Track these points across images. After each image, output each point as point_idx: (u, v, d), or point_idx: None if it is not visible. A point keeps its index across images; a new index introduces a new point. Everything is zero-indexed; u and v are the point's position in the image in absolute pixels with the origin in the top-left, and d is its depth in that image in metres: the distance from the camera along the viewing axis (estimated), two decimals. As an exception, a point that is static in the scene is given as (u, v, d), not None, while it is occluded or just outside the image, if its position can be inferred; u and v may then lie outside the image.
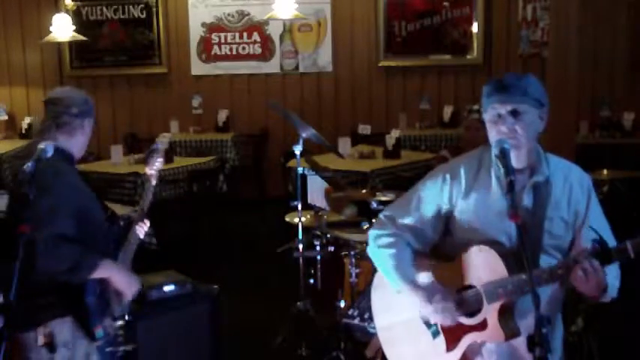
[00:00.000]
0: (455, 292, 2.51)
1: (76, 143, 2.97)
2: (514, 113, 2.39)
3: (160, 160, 3.30)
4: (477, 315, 2.46)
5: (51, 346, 2.74)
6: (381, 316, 2.81)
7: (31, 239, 2.62)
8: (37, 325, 2.75)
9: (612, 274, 2.38)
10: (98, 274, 2.79)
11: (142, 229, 3.15)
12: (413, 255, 2.61)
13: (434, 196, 2.57)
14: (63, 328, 2.78)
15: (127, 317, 3.02)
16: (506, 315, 2.40)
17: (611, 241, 2.39)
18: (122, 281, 2.88)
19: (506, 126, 2.39)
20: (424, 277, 2.57)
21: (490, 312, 2.41)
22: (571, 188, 2.49)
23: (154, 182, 3.26)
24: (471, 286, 2.47)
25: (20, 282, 2.59)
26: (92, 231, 2.86)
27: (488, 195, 2.49)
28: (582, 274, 2.24)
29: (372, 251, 2.70)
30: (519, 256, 2.39)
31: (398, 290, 2.61)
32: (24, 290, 2.60)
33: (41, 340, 2.74)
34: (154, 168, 3.26)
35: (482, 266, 2.42)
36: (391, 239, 2.61)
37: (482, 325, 2.44)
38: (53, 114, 2.94)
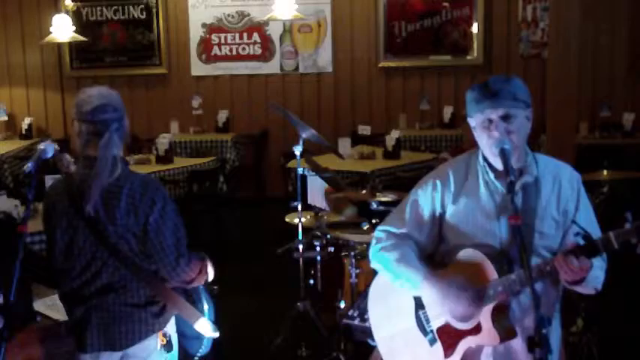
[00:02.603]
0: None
1: (122, 144, 2.78)
2: (505, 118, 2.40)
3: None
4: (470, 319, 2.46)
5: (169, 345, 2.80)
6: (379, 328, 2.81)
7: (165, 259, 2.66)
8: (156, 331, 2.77)
9: (594, 265, 2.33)
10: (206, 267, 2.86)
11: None
12: (417, 256, 2.60)
13: (426, 203, 2.59)
14: (171, 327, 2.84)
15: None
16: (500, 316, 2.41)
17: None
18: (210, 266, 2.91)
19: (498, 131, 2.40)
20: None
21: (483, 315, 2.42)
22: (560, 187, 2.49)
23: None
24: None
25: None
26: None
27: (477, 198, 2.50)
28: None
29: (376, 258, 2.67)
30: (508, 257, 2.40)
31: (414, 288, 2.56)
32: (137, 301, 2.70)
33: (161, 342, 2.78)
34: None
35: (473, 272, 2.42)
36: (393, 244, 2.61)
37: (477, 329, 2.45)
38: (106, 125, 2.67)
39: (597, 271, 2.41)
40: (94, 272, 2.69)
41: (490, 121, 2.41)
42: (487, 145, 2.44)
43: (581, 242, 2.21)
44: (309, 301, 4.75)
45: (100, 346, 2.73)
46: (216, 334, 2.89)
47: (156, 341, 2.76)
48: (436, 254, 2.63)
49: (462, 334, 2.49)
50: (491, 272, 2.39)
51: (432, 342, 2.57)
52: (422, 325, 2.60)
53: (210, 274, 2.93)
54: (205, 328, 2.85)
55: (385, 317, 2.75)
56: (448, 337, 2.53)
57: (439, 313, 2.54)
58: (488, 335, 2.41)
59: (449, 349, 2.52)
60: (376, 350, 2.90)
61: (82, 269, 2.70)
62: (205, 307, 2.90)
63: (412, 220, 2.61)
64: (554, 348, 2.33)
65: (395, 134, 7.22)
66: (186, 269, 2.72)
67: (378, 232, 2.70)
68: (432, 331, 2.57)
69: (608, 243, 2.18)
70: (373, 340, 2.87)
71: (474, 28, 9.04)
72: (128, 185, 2.66)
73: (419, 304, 2.60)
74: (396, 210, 2.71)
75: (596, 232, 2.41)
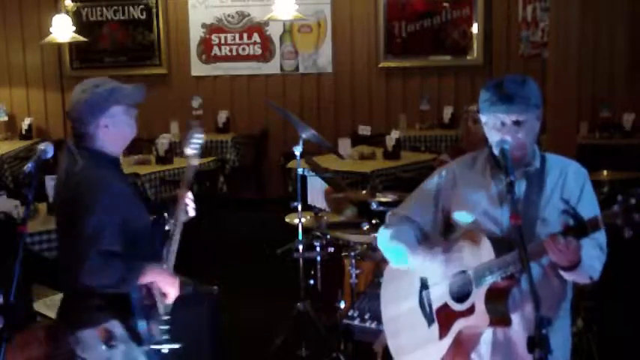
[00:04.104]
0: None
1: (105, 143, 2.83)
2: (518, 123, 2.45)
3: (197, 139, 3.13)
4: (466, 300, 2.49)
5: (109, 342, 2.78)
6: (387, 308, 2.86)
7: (75, 255, 2.66)
8: (94, 324, 2.77)
9: (589, 254, 2.36)
10: (144, 280, 2.79)
11: (187, 206, 3.06)
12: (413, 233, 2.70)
13: (431, 191, 2.70)
14: (119, 327, 2.82)
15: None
16: (496, 300, 2.42)
17: (602, 236, 2.44)
18: (166, 282, 2.86)
19: (510, 135, 2.45)
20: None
21: (478, 296, 2.44)
22: (565, 179, 2.54)
23: (195, 163, 3.13)
24: (463, 272, 2.52)
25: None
26: (137, 237, 2.82)
27: (482, 186, 2.58)
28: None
29: (379, 240, 2.77)
30: (510, 243, 2.41)
31: (413, 258, 2.62)
32: (80, 290, 2.71)
33: (100, 337, 2.77)
34: (192, 147, 3.12)
35: (474, 251, 2.47)
36: (393, 223, 2.74)
37: (471, 310, 2.47)
38: (72, 130, 2.88)
39: (593, 260, 2.42)
40: (59, 251, 2.93)
41: (503, 124, 2.47)
42: (495, 142, 2.51)
43: (570, 221, 2.22)
44: (309, 301, 4.75)
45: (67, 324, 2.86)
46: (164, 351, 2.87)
47: (93, 335, 2.76)
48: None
49: (456, 315, 2.52)
50: (490, 253, 2.42)
51: (431, 322, 2.61)
52: (423, 305, 2.64)
53: (166, 287, 2.85)
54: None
55: (393, 298, 2.80)
56: (445, 318, 2.56)
57: (441, 294, 2.57)
58: (480, 317, 2.44)
59: (443, 329, 2.56)
60: (383, 334, 2.93)
61: (58, 246, 2.95)
62: (140, 322, 2.82)
63: (416, 206, 2.73)
64: (560, 349, 2.34)
65: (395, 134, 7.22)
66: (102, 269, 2.65)
67: (389, 217, 2.81)
68: (431, 311, 2.61)
69: (595, 223, 2.19)
70: (376, 326, 2.91)
71: (474, 28, 9.04)
72: (74, 179, 2.72)
73: (424, 284, 2.65)
74: (406, 199, 2.84)
75: None
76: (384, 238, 2.73)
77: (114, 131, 2.84)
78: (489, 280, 2.40)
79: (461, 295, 2.52)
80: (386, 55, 9.22)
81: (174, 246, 2.97)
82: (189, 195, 3.04)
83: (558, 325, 2.56)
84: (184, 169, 3.13)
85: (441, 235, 2.69)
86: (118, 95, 2.88)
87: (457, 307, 2.52)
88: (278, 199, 7.78)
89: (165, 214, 3.10)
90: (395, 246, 2.67)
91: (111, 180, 2.79)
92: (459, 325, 2.51)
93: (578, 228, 2.22)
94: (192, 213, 3.04)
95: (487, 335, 2.54)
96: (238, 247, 7.37)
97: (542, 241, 2.30)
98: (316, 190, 5.06)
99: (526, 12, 8.71)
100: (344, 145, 7.28)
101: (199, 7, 9.32)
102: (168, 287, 2.86)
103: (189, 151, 3.12)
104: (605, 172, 5.06)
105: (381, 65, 9.23)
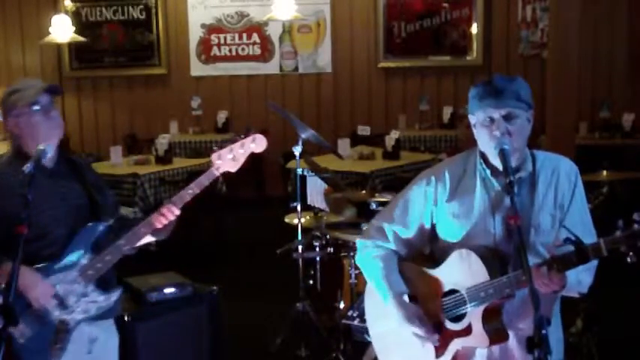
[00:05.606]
0: (439, 299, 2.51)
1: (19, 140, 2.88)
2: (507, 117, 2.39)
3: (233, 155, 2.99)
4: (462, 320, 2.45)
5: None
6: (374, 323, 2.80)
7: None
8: None
9: (576, 270, 2.29)
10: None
11: (162, 219, 2.84)
12: (399, 263, 2.62)
13: (418, 200, 2.59)
14: None
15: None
16: (492, 319, 2.39)
17: (592, 237, 2.36)
18: (24, 283, 2.67)
19: (499, 130, 2.38)
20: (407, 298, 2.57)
21: (474, 316, 2.40)
22: (558, 179, 2.48)
23: (215, 173, 2.98)
24: (455, 291, 2.47)
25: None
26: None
27: (473, 197, 2.49)
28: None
29: (360, 260, 2.72)
30: (502, 257, 2.39)
31: (384, 299, 2.61)
32: None
33: None
34: (221, 159, 2.98)
35: (465, 270, 2.42)
36: (378, 248, 2.64)
37: (467, 330, 2.43)
38: None
39: (580, 275, 2.36)
40: None
41: (492, 119, 2.39)
42: (487, 143, 2.43)
43: (571, 248, 2.17)
44: (309, 302, 4.75)
45: None
46: None
47: None
48: (435, 251, 2.62)
49: (452, 335, 2.48)
50: (484, 273, 2.37)
51: (425, 341, 2.56)
52: None
53: (26, 293, 2.73)
54: None
55: (380, 313, 2.73)
56: (440, 337, 2.52)
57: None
58: (478, 337, 2.40)
59: (440, 349, 2.51)
60: (371, 346, 2.90)
61: None
62: None
63: (402, 217, 2.61)
64: (553, 347, 2.32)
65: (394, 135, 7.21)
66: None
67: (370, 226, 2.74)
68: None
69: (598, 250, 2.15)
70: (369, 335, 2.87)
71: (474, 28, 9.05)
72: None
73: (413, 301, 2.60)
74: (390, 203, 2.74)
75: (587, 227, 2.41)
76: (373, 271, 2.64)
77: (19, 132, 2.89)
78: (485, 301, 2.37)
79: (455, 314, 2.47)
80: (385, 55, 9.22)
81: (108, 257, 2.80)
82: (175, 211, 2.85)
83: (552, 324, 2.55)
84: (201, 174, 2.93)
85: (428, 243, 2.64)
86: (12, 99, 2.99)
87: (453, 326, 2.48)
88: (278, 199, 7.77)
89: (106, 223, 2.92)
90: (384, 289, 2.60)
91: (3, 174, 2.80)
92: (456, 344, 2.47)
93: (579, 256, 2.17)
94: (158, 225, 2.83)
95: (481, 350, 2.49)
96: (238, 247, 7.37)
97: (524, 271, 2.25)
98: (316, 190, 5.06)
99: (526, 12, 8.71)
100: (343, 145, 7.27)
101: (199, 7, 9.31)
102: (26, 288, 2.69)
103: (226, 157, 2.95)
104: (604, 172, 5.04)
105: (380, 65, 9.24)
